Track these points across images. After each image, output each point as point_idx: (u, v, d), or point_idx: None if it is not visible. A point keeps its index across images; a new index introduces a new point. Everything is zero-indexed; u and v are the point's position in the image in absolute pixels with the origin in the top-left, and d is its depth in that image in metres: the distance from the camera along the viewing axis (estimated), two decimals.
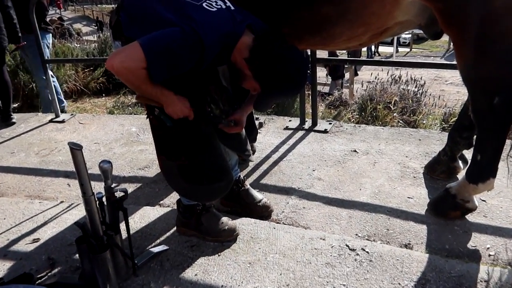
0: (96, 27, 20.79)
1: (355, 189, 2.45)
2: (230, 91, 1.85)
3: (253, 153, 2.94)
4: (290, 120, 3.61)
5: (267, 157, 2.93)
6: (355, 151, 2.93)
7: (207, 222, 1.97)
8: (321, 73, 10.25)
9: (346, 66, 9.40)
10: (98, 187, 2.60)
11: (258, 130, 3.24)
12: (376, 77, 5.01)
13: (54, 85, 4.28)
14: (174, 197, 2.50)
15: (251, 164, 2.82)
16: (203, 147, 1.78)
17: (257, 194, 2.25)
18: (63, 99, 4.68)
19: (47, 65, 4.06)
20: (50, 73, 4.17)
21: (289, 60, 1.54)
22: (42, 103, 4.70)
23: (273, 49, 1.53)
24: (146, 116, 1.83)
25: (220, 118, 1.78)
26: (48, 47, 4.25)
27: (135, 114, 4.91)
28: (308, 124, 3.44)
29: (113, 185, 1.69)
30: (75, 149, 1.51)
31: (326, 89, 9.29)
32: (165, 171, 1.86)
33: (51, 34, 4.32)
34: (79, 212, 2.33)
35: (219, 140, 1.88)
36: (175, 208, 2.24)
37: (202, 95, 1.72)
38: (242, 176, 2.27)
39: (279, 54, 1.53)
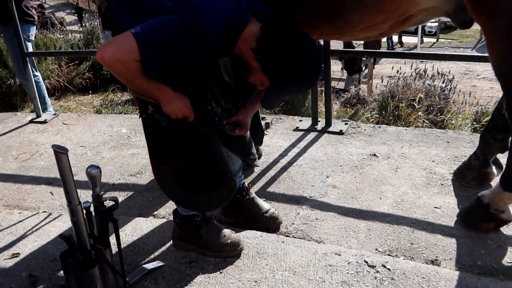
0: (75, 15, 20.65)
1: (375, 198, 2.45)
2: (233, 87, 1.86)
3: (259, 158, 2.95)
4: (300, 120, 3.62)
5: (275, 162, 2.95)
6: (374, 155, 2.94)
7: (207, 235, 1.98)
8: (336, 67, 10.30)
9: (363, 58, 9.42)
10: (84, 195, 2.63)
11: (265, 132, 3.26)
12: (398, 71, 5.01)
13: (38, 82, 4.29)
14: (170, 206, 2.51)
15: (257, 170, 2.84)
16: (202, 150, 1.79)
17: (264, 204, 2.27)
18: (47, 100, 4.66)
19: (29, 59, 4.07)
20: (32, 68, 4.17)
21: (302, 50, 1.54)
22: (34, 101, 4.66)
23: (284, 37, 1.52)
24: (138, 115, 1.84)
25: (222, 118, 1.80)
26: (29, 40, 4.25)
27: (125, 113, 4.95)
28: (321, 124, 3.46)
29: (102, 193, 1.70)
30: (60, 152, 1.53)
31: (342, 85, 9.31)
32: (159, 177, 1.87)
33: (35, 27, 4.33)
34: (64, 224, 2.34)
35: (220, 142, 1.89)
36: (171, 219, 2.25)
37: (202, 91, 1.73)
38: (246, 184, 2.28)
39: (291, 43, 1.53)
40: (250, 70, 1.65)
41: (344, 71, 9.88)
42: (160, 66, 1.51)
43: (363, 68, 9.82)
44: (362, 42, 11.60)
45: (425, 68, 5.22)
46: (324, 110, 3.49)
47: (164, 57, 1.49)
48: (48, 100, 4.50)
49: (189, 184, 1.80)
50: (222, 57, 1.84)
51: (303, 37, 1.57)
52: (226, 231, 2.00)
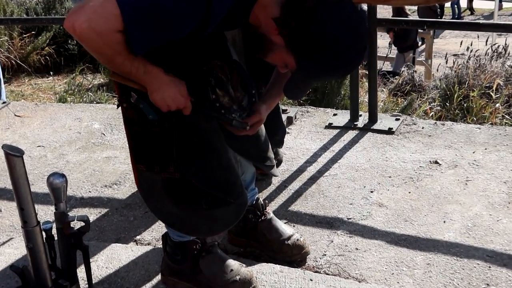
0: None
1: (437, 221, 2.44)
2: (245, 69, 1.86)
3: (279, 164, 2.96)
4: (335, 114, 3.62)
5: (300, 170, 2.95)
6: (436, 162, 2.93)
7: (209, 269, 1.97)
8: (382, 41, 10.24)
9: (420, 31, 9.35)
10: (44, 213, 2.62)
11: (287, 129, 3.27)
12: (468, 48, 4.97)
13: None
14: (158, 229, 2.53)
15: (275, 181, 2.84)
16: (202, 153, 1.79)
17: (285, 228, 2.27)
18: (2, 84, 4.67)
19: None
20: None
21: (342, 22, 1.53)
22: None
23: (318, 4, 1.51)
24: (116, 105, 1.85)
25: (230, 111, 1.79)
26: None
27: (98, 102, 4.99)
28: (363, 120, 3.46)
29: (68, 210, 1.71)
30: (13, 155, 1.53)
31: (390, 66, 9.27)
32: (144, 189, 1.88)
33: None
34: (16, 251, 2.33)
35: (227, 143, 1.88)
36: (160, 246, 2.25)
37: (203, 75, 1.73)
38: (261, 200, 2.29)
39: (327, 12, 1.51)
40: (270, 46, 1.64)
41: (393, 47, 9.80)
42: (150, 39, 1.51)
43: (419, 43, 9.78)
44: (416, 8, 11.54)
45: (505, 44, 5.17)
46: (366, 100, 3.54)
47: (154, 26, 1.48)
48: None
49: (184, 199, 1.81)
50: (231, 29, 1.83)
51: (344, 3, 1.54)
52: (234, 264, 1.99)
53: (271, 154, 2.17)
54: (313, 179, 2.86)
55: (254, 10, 1.62)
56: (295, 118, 3.60)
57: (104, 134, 3.64)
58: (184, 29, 1.53)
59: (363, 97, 3.66)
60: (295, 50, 1.58)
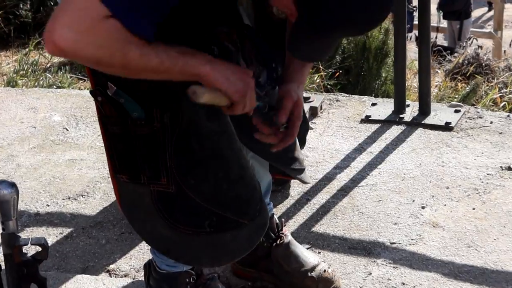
0: None
1: (511, 247, 2.42)
2: (260, 37, 1.87)
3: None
4: (373, 104, 3.63)
5: (328, 178, 2.95)
6: (509, 168, 2.92)
7: None
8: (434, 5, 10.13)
9: None
10: None
11: (310, 123, 3.23)
12: None
13: None
14: (137, 256, 2.53)
15: (295, 193, 2.85)
16: (204, 160, 1.81)
17: (308, 255, 2.28)
18: None
19: None
20: None
21: None
22: None
23: None
24: (90, 92, 1.82)
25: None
26: None
27: (59, 87, 4.97)
28: (411, 111, 3.45)
29: (19, 230, 1.76)
30: None
31: (444, 40, 9.23)
32: (127, 205, 1.90)
33: None
34: None
35: (240, 139, 1.90)
36: (141, 279, 2.26)
37: (203, 43, 1.72)
38: (277, 218, 2.31)
39: None
40: None
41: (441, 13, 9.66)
42: (147, 12, 1.50)
43: (487, 9, 9.73)
44: None
45: None
46: (416, 85, 3.62)
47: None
48: None
49: (181, 219, 1.82)
50: None
51: None
52: None
53: (300, 154, 2.20)
54: (344, 190, 2.85)
55: None
56: (321, 108, 3.58)
57: (67, 129, 3.64)
58: None
59: (412, 81, 3.68)
60: None
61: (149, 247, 2.06)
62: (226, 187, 1.83)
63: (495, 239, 2.49)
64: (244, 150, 1.94)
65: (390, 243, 2.51)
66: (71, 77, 5.28)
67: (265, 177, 2.21)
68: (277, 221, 2.29)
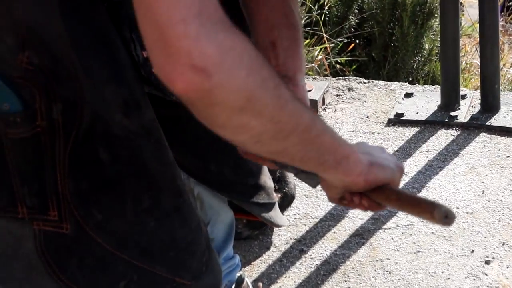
0: None
1: None
2: None
3: (288, 204, 2.72)
4: (408, 95, 3.43)
5: (335, 216, 2.79)
6: None
7: None
8: None
9: None
10: None
11: None
12: None
13: None
14: None
15: (281, 242, 2.69)
16: (119, 186, 1.61)
17: None
18: None
19: None
20: None
21: None
22: None
23: None
24: None
25: None
26: None
27: None
28: (468, 106, 3.26)
29: None
30: None
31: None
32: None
33: None
34: None
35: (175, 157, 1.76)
36: None
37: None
38: (248, 280, 2.36)
39: None
40: None
41: None
42: None
43: None
44: None
45: None
46: (477, 63, 3.43)
47: None
48: None
49: (79, 278, 1.61)
50: None
51: None
52: None
53: (268, 181, 2.16)
54: (361, 236, 2.66)
55: None
56: (324, 102, 3.39)
57: None
58: None
59: (470, 57, 3.37)
60: None
61: None
62: (153, 225, 1.64)
63: None
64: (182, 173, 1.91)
65: None
66: None
67: (222, 213, 2.24)
68: (249, 286, 2.33)
